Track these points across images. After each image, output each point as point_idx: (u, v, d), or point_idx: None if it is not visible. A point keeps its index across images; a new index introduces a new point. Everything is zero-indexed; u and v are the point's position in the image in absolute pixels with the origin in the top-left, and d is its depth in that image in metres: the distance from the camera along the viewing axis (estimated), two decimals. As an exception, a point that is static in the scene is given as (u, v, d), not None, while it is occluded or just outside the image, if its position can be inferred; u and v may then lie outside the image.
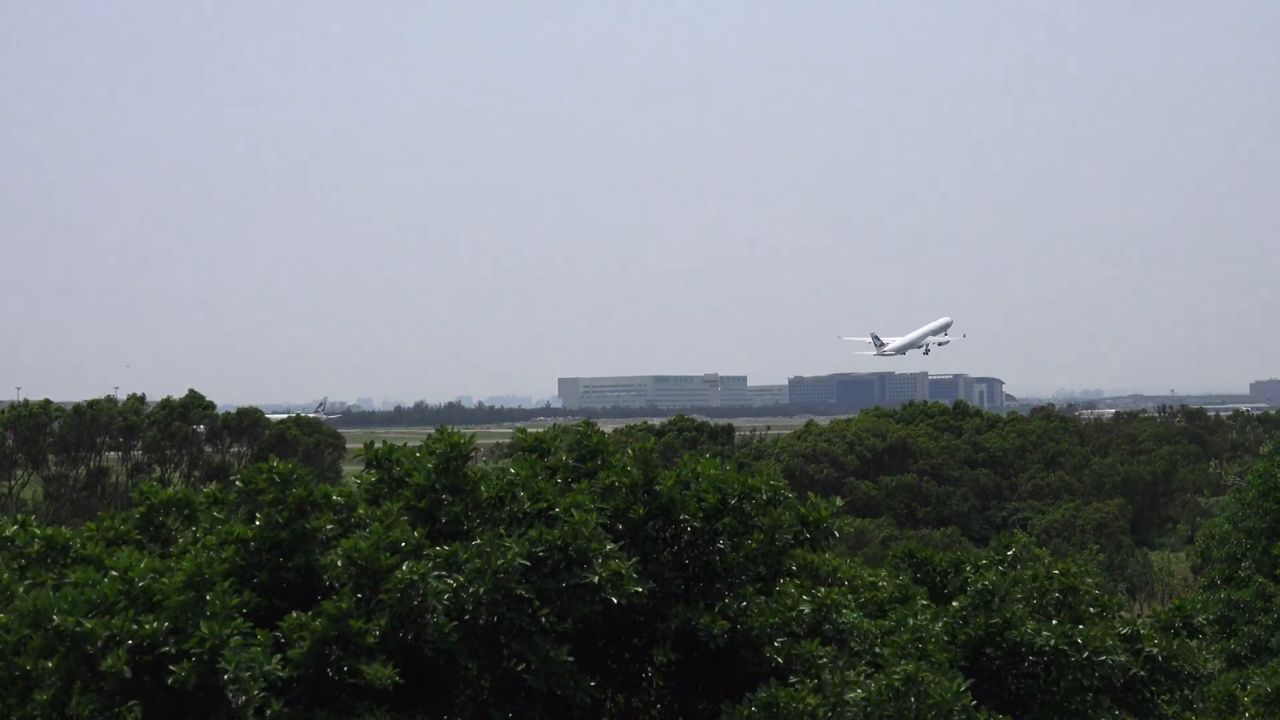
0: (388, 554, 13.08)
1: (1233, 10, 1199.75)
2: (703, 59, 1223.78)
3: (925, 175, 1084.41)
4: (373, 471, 15.69)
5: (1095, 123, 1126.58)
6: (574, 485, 15.08)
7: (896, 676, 13.51)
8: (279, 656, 11.94)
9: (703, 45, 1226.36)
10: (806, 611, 14.54)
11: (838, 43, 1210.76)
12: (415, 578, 12.72)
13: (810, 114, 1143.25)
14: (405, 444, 16.13)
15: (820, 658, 14.00)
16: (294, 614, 12.68)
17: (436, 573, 13.02)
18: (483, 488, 14.75)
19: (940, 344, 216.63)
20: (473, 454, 15.16)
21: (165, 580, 12.39)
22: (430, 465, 14.80)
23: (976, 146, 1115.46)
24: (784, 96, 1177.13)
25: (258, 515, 13.90)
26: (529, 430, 17.68)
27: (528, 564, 13.19)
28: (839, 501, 16.47)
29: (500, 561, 13.01)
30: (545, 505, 14.48)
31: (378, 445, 15.86)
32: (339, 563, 13.02)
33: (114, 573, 12.77)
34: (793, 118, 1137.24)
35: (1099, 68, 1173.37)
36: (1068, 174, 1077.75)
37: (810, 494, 16.75)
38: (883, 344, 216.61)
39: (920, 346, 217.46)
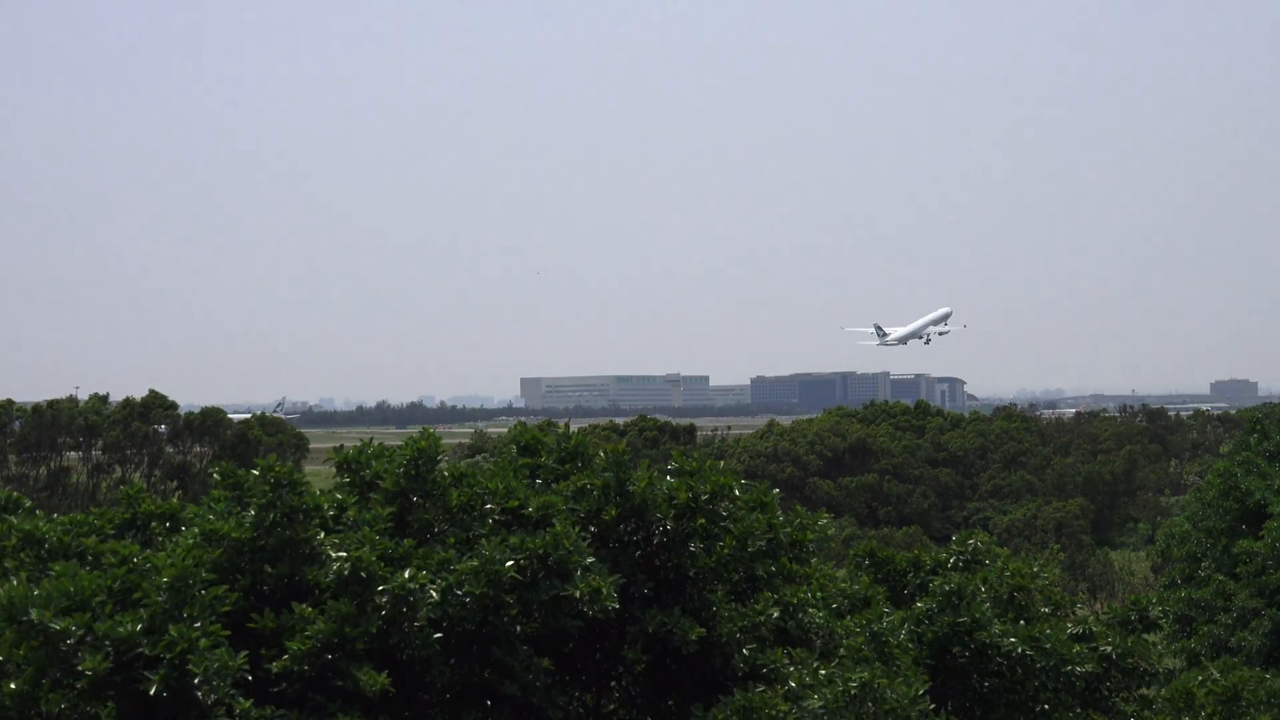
0: (380, 562, 13.09)
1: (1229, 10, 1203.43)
2: (685, 60, 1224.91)
3: (885, 176, 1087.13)
4: (345, 475, 15.59)
5: (1065, 123, 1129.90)
6: (553, 487, 15.11)
7: (853, 683, 13.52)
8: (245, 653, 11.92)
9: (669, 47, 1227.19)
10: (775, 615, 14.58)
11: (772, 43, 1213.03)
12: (416, 586, 12.77)
13: (780, 118, 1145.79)
14: (373, 441, 15.92)
15: (787, 665, 14.05)
16: (303, 606, 12.74)
17: (432, 581, 13.06)
18: (453, 493, 14.74)
19: (941, 334, 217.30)
20: (441, 456, 15.13)
21: (155, 578, 12.34)
22: (400, 470, 14.72)
23: (937, 148, 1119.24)
24: (752, 97, 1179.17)
25: (250, 510, 13.73)
26: (529, 425, 17.57)
27: (520, 577, 13.19)
28: (825, 516, 16.41)
29: (496, 567, 13.01)
30: (516, 504, 14.51)
31: (347, 447, 15.75)
32: (345, 570, 12.98)
33: (111, 558, 12.76)
34: (759, 122, 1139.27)
35: (1102, 68, 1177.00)
36: (1031, 176, 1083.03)
37: (797, 506, 16.70)
38: (885, 334, 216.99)
39: (921, 336, 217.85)
